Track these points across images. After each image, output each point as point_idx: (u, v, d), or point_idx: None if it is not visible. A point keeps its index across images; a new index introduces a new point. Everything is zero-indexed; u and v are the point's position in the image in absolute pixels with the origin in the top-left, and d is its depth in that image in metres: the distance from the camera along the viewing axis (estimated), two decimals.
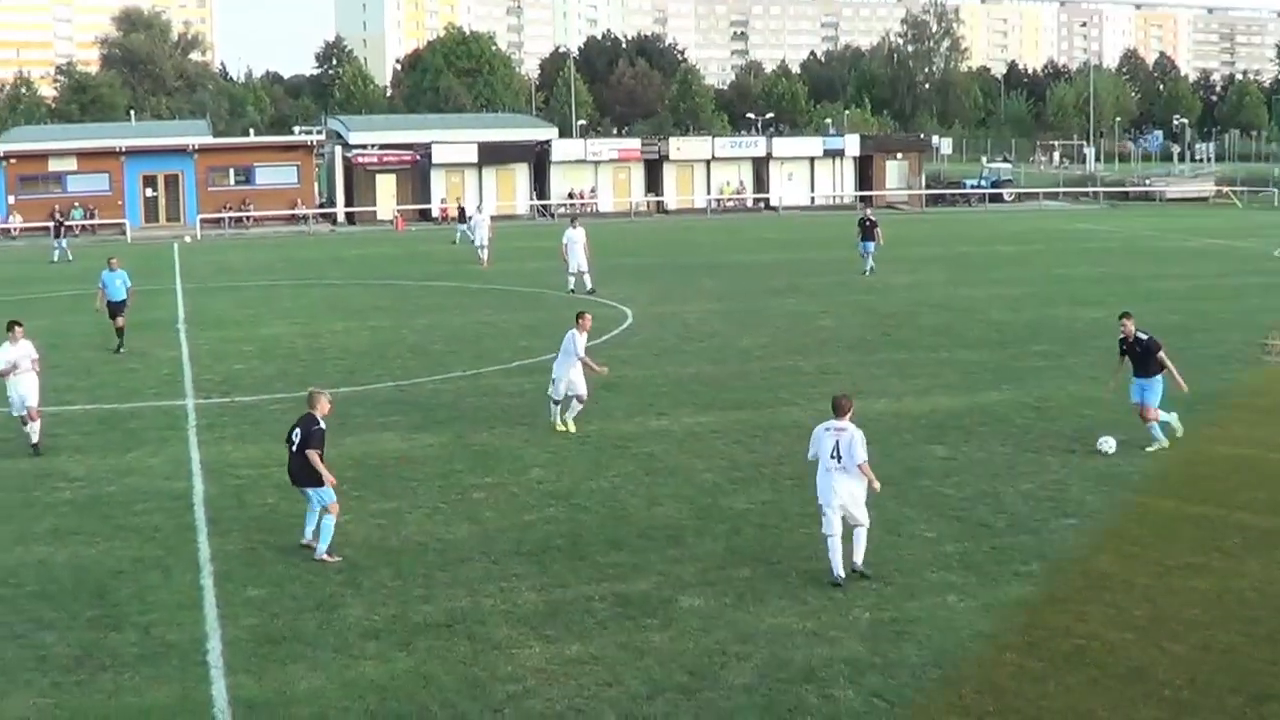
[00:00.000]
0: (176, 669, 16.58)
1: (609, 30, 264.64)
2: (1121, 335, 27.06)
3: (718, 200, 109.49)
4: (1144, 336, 26.73)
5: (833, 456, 19.50)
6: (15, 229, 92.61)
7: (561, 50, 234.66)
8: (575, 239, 53.34)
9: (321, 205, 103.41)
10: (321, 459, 20.19)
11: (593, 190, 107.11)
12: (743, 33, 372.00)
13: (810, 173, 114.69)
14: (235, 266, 67.49)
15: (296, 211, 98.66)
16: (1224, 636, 17.08)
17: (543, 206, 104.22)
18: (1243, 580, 19.10)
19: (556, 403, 29.01)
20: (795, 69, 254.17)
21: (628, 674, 16.16)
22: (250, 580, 19.58)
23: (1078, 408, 30.82)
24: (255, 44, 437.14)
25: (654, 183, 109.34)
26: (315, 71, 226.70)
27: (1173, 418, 26.99)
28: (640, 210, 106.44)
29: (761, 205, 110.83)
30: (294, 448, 20.42)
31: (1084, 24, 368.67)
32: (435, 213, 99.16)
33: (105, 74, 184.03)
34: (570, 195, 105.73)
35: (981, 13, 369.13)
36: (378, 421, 29.88)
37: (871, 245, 58.09)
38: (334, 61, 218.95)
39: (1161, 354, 26.51)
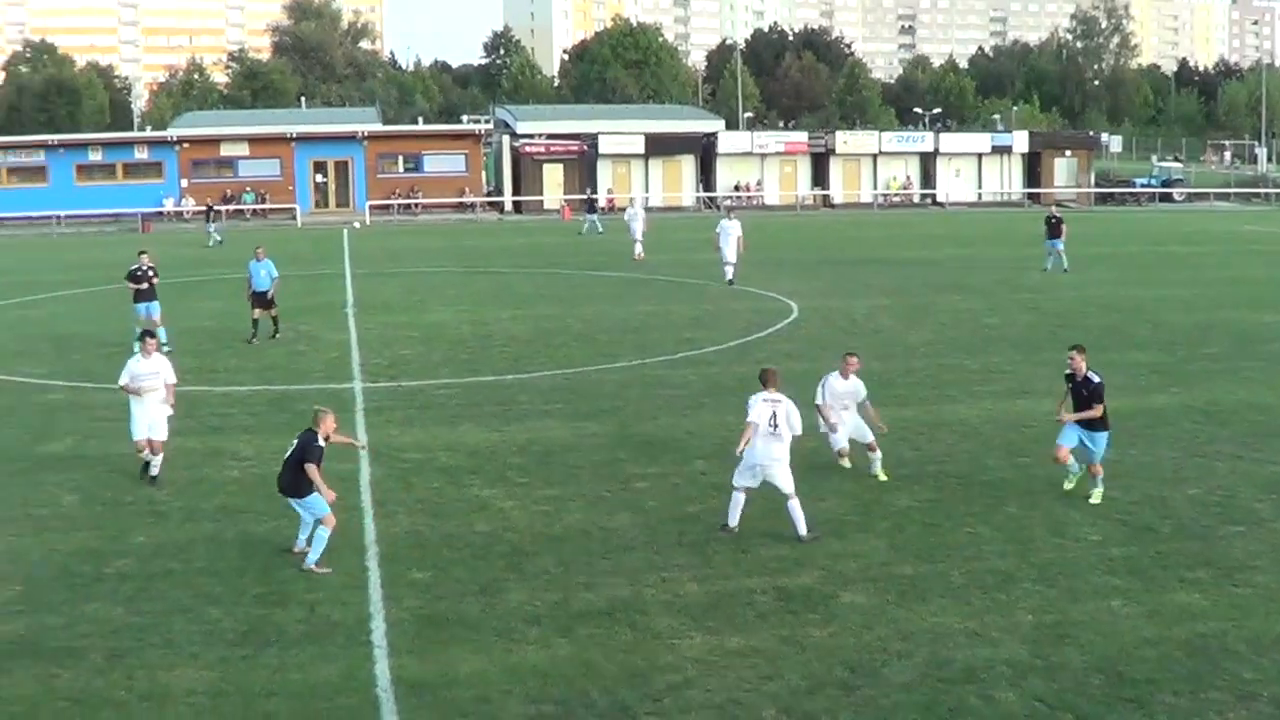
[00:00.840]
0: (341, 648, 16.90)
1: (776, 23, 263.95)
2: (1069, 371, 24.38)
3: (884, 195, 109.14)
4: (1094, 378, 23.89)
5: (770, 425, 21.00)
6: (188, 212, 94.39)
7: (728, 43, 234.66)
8: (729, 231, 53.54)
9: (489, 193, 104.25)
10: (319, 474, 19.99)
11: (758, 183, 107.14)
12: (910, 26, 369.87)
13: (978, 169, 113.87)
14: (403, 253, 68.25)
15: (464, 199, 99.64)
16: None
17: (709, 198, 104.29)
18: None
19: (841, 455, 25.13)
20: (963, 64, 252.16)
21: (788, 668, 16.19)
22: (415, 563, 19.85)
23: (1248, 413, 30.34)
24: (424, 34, 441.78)
25: (820, 177, 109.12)
26: (483, 61, 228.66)
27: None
28: (806, 204, 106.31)
29: (928, 201, 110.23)
30: (288, 459, 20.24)
31: (1255, 21, 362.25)
32: (602, 202, 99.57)
33: (276, 61, 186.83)
34: (736, 188, 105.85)
35: (1152, 9, 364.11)
36: (542, 409, 30.14)
37: (1059, 243, 57.66)
38: (502, 51, 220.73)
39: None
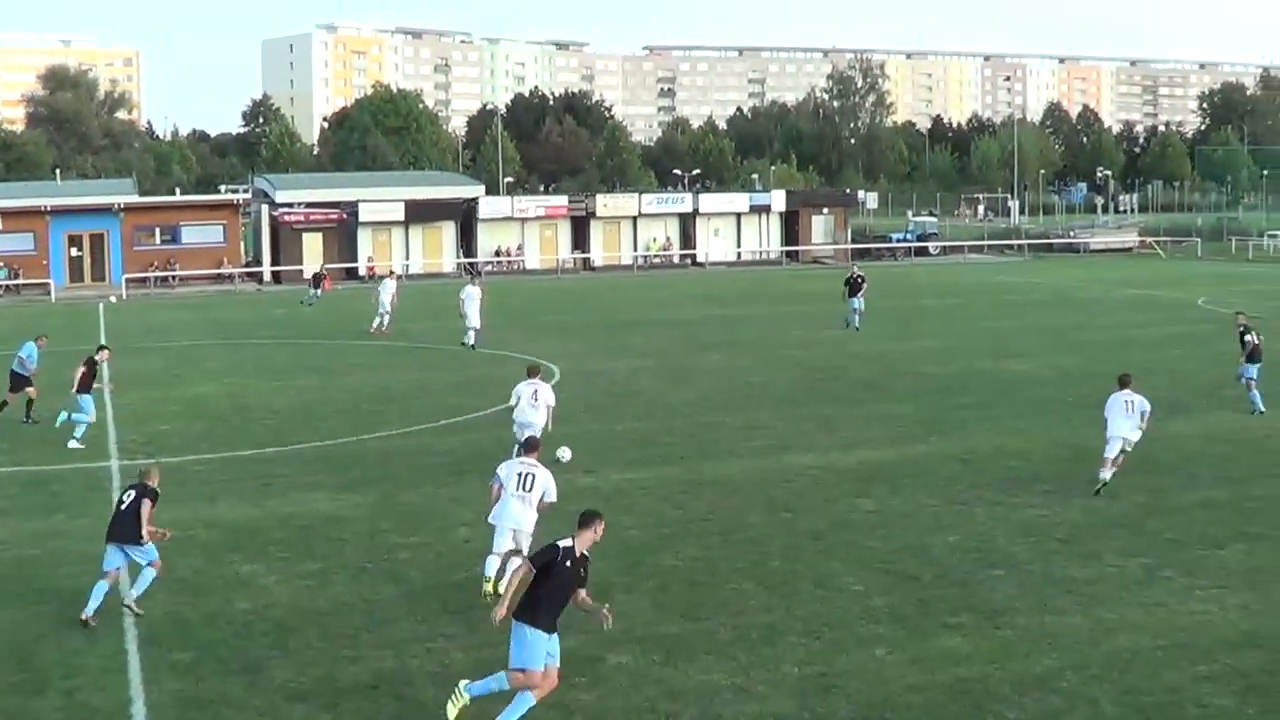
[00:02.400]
0: None
1: (536, 87, 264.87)
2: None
3: (644, 257, 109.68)
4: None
5: (520, 487, 21.17)
6: None
7: (489, 108, 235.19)
8: (471, 295, 53.83)
9: (248, 264, 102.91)
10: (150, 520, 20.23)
11: (519, 248, 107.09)
12: (670, 89, 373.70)
13: (737, 228, 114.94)
14: (161, 326, 67.05)
15: (223, 271, 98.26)
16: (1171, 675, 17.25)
17: (469, 264, 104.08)
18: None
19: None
20: (722, 125, 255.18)
21: None
22: (175, 644, 19.37)
23: (1003, 459, 31.09)
24: (182, 102, 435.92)
25: (581, 240, 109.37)
26: (242, 130, 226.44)
27: None
28: (567, 267, 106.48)
29: (688, 262, 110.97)
30: (123, 507, 20.38)
31: (1008, 78, 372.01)
32: (362, 271, 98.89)
33: (31, 132, 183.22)
34: (497, 253, 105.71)
35: (907, 68, 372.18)
36: (305, 481, 29.70)
37: (859, 302, 58.51)
38: (261, 120, 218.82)
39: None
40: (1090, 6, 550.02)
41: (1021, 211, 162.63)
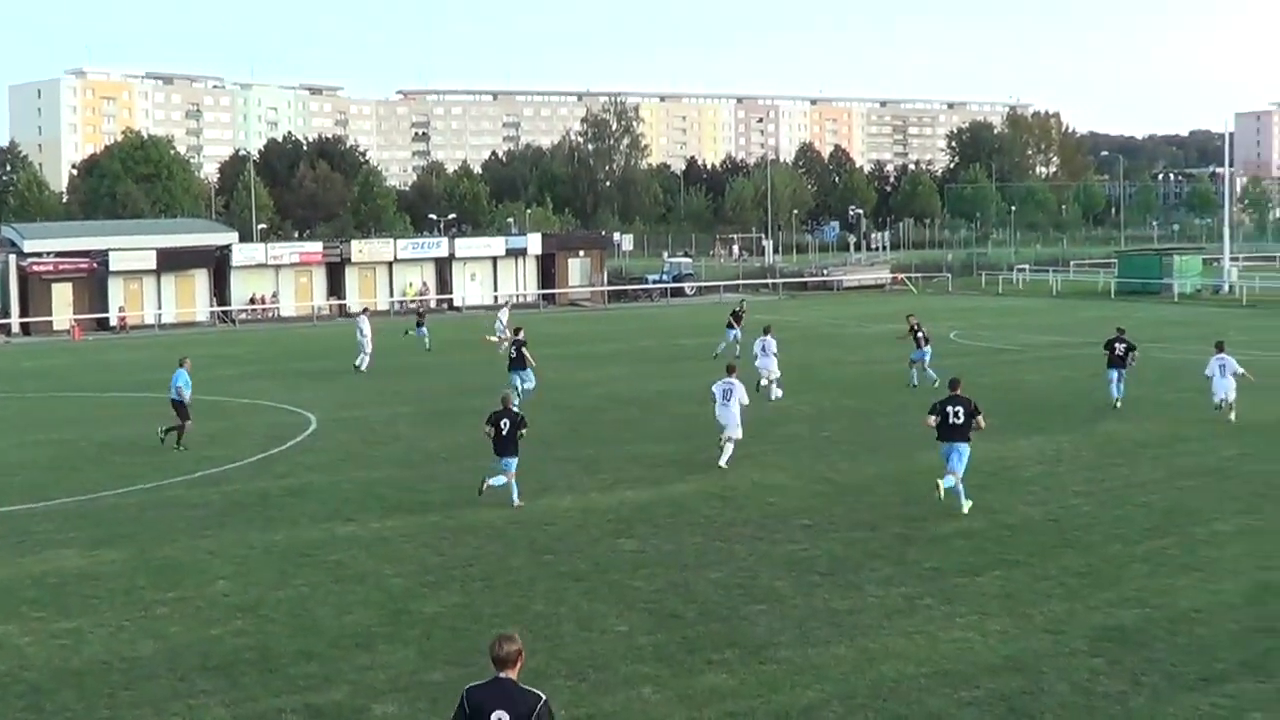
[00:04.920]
0: None
1: (290, 133, 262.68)
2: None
3: (401, 302, 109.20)
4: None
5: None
6: None
7: (241, 153, 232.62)
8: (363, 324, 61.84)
9: None
10: None
11: (274, 295, 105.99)
12: (424, 133, 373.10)
13: (493, 272, 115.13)
14: None
15: None
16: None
17: (223, 313, 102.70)
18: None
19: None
20: (477, 169, 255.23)
21: None
22: None
23: (763, 495, 31.43)
24: None
25: (336, 286, 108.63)
26: None
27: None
28: (323, 314, 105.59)
29: (445, 306, 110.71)
30: None
31: (760, 120, 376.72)
32: (113, 321, 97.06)
33: None
34: (251, 300, 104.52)
35: (661, 110, 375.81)
36: (58, 538, 28.93)
37: (735, 332, 62.20)
38: (8, 168, 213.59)
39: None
40: (840, 49, 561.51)
41: (776, 251, 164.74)
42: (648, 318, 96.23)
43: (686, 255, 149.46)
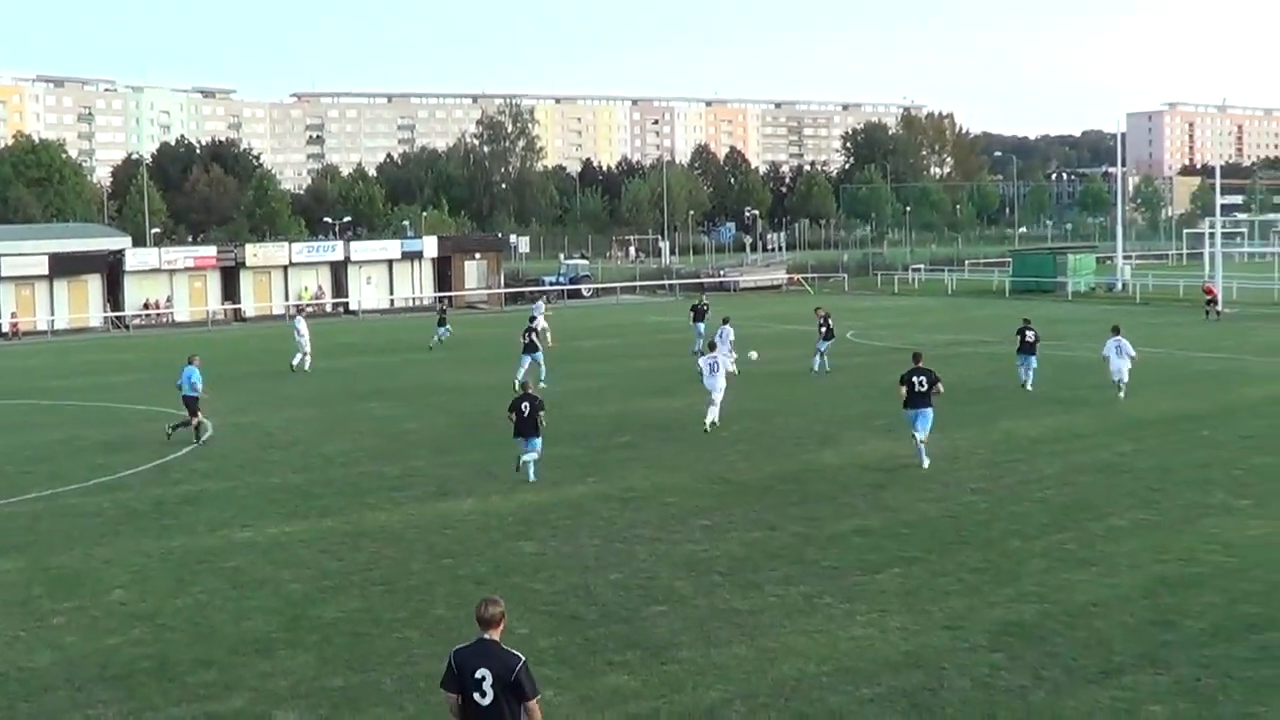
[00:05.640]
0: None
1: (183, 136, 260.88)
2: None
3: (296, 306, 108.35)
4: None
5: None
6: None
7: (134, 157, 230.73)
8: (300, 325, 62.99)
9: None
10: None
11: (169, 300, 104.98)
12: (319, 136, 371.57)
13: (389, 275, 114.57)
14: None
15: None
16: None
17: (117, 318, 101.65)
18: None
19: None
20: (372, 172, 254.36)
21: None
22: None
23: (661, 496, 31.42)
24: None
25: (231, 290, 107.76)
26: None
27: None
28: (218, 319, 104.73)
29: (341, 310, 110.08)
30: None
31: (656, 121, 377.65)
32: (5, 327, 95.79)
33: None
34: (146, 305, 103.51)
35: (556, 113, 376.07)
36: None
37: (703, 326, 63.42)
38: None
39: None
40: (735, 51, 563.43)
41: (672, 252, 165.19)
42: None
43: (583, 257, 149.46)
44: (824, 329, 56.66)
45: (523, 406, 33.84)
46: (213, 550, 27.28)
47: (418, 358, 67.16)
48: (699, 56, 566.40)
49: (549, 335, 65.02)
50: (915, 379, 34.69)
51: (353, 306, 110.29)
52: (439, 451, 38.76)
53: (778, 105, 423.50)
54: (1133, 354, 45.75)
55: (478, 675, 12.96)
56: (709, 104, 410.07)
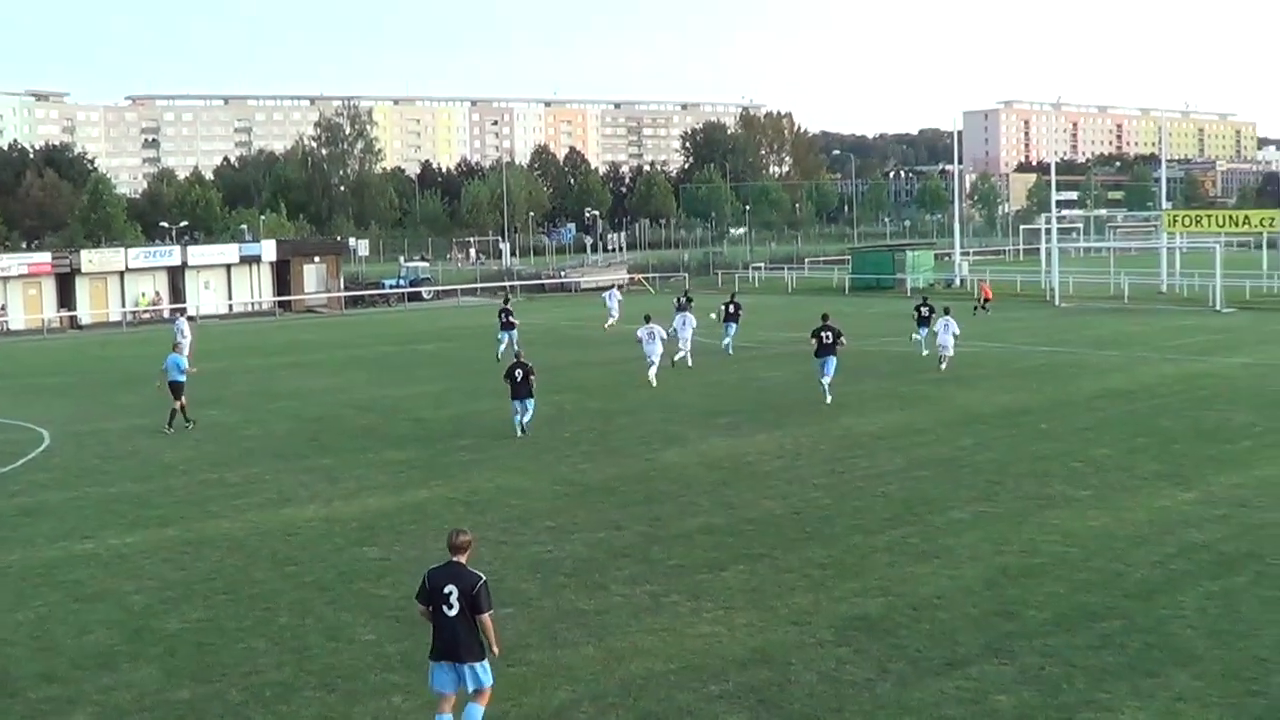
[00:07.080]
0: None
1: (16, 140, 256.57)
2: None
3: (134, 313, 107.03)
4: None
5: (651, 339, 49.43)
6: None
7: None
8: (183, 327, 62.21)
9: None
10: None
11: (3, 308, 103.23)
12: (154, 140, 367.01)
13: (228, 280, 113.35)
14: None
15: None
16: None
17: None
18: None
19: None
20: (209, 175, 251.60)
21: None
22: None
23: (506, 498, 31.48)
24: None
25: (67, 297, 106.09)
26: None
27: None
28: (54, 327, 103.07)
29: (177, 315, 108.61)
30: None
31: (495, 122, 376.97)
32: None
33: None
34: None
35: (395, 114, 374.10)
36: None
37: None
38: None
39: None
40: (574, 51, 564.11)
41: (513, 253, 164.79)
42: (386, 322, 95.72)
43: (423, 260, 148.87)
44: (731, 310, 64.08)
45: (515, 373, 39.93)
46: (53, 563, 26.89)
47: (256, 363, 66.55)
48: (538, 57, 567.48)
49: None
50: (824, 333, 45.66)
51: (191, 312, 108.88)
52: (280, 458, 38.48)
53: (617, 105, 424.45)
54: (956, 332, 53.55)
55: (445, 590, 16.16)
56: (548, 104, 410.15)
